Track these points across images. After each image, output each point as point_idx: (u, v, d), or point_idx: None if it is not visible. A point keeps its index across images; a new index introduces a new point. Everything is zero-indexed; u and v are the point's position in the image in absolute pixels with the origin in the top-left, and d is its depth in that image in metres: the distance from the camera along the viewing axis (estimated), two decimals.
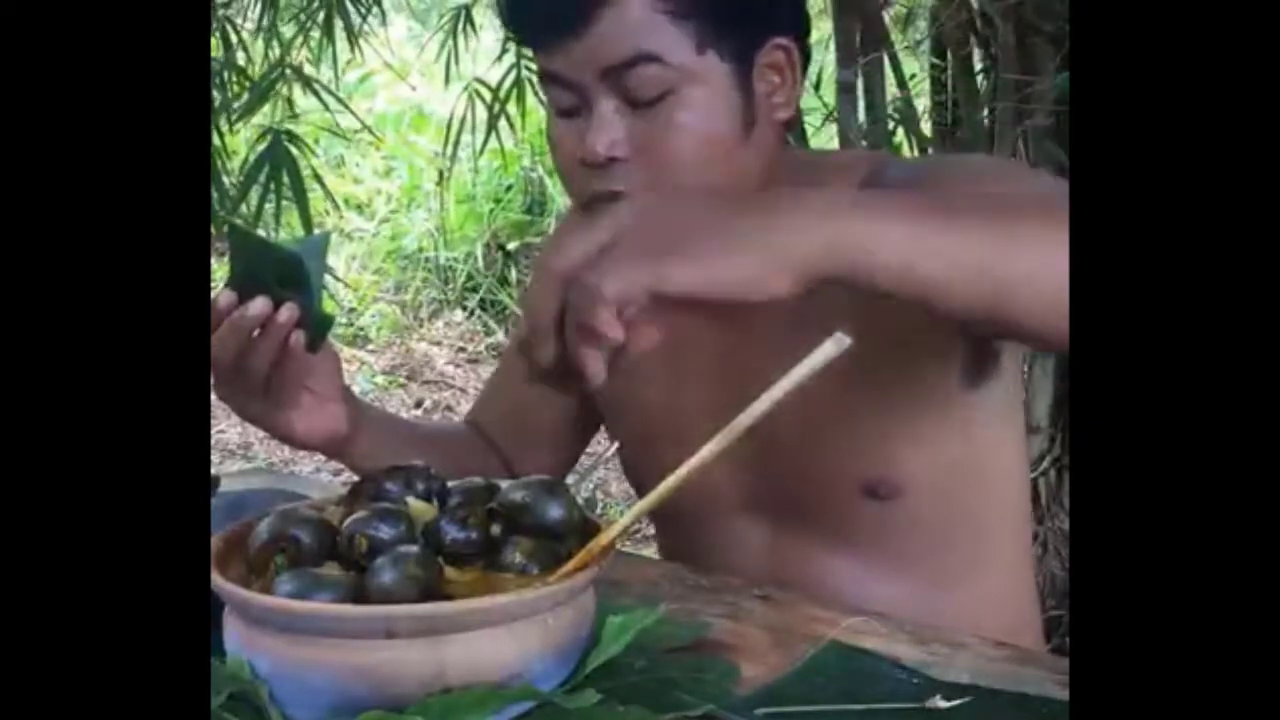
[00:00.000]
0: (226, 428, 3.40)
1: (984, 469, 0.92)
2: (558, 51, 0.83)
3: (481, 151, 2.43)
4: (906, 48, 2.19)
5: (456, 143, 2.34)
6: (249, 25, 2.25)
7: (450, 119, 2.33)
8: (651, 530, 1.88)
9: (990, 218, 0.64)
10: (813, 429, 0.86)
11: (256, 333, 0.82)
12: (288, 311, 0.81)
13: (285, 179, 1.90)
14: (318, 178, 2.18)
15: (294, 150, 1.92)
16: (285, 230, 4.00)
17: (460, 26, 2.33)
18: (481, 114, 2.27)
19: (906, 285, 0.62)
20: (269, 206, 1.99)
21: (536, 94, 1.92)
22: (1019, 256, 0.62)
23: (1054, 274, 0.60)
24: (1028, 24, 1.71)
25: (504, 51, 2.20)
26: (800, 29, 0.88)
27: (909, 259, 0.62)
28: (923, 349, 0.87)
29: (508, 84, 2.19)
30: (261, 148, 1.91)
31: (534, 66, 0.98)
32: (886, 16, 1.93)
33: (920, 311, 0.86)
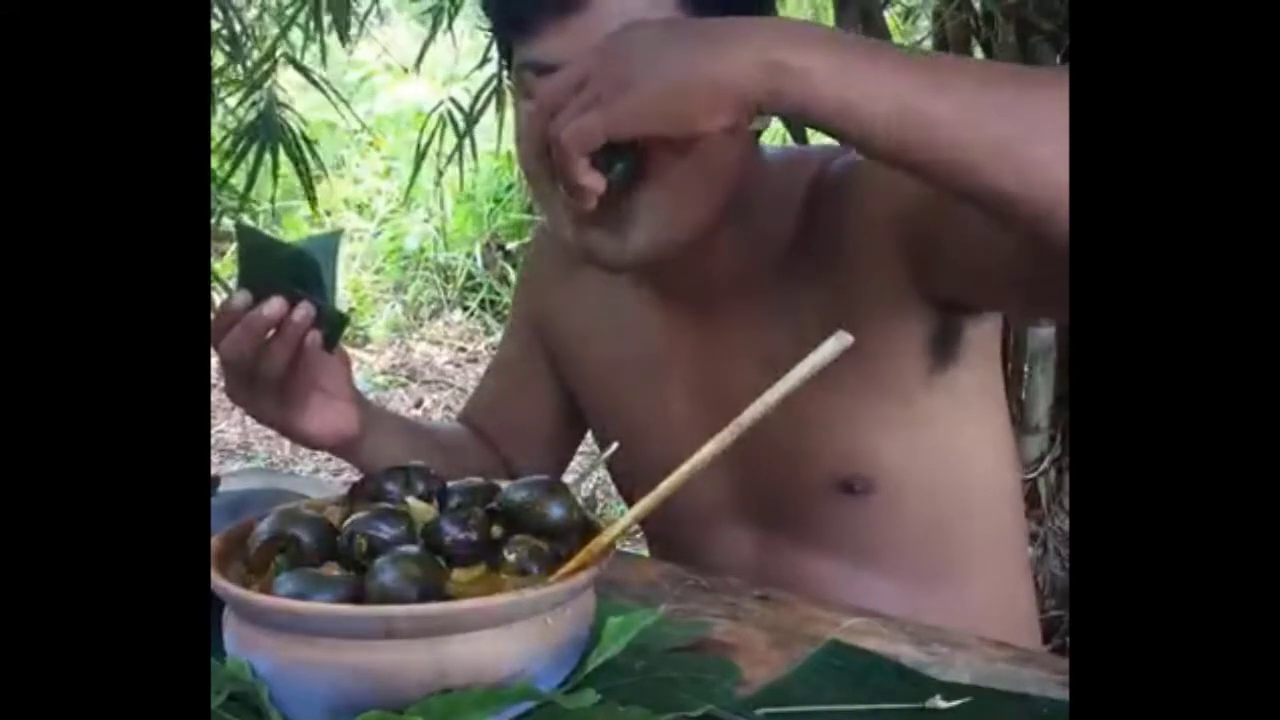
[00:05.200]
0: (226, 428, 3.40)
1: (962, 460, 0.92)
2: (551, 35, 0.79)
3: (497, 151, 2.42)
4: (906, 47, 2.19)
5: (462, 145, 2.33)
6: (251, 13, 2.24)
7: (463, 120, 2.33)
8: None
9: (929, 63, 0.67)
10: (780, 426, 0.85)
11: (271, 333, 0.81)
12: (303, 311, 0.80)
13: (278, 156, 1.87)
14: (307, 143, 2.05)
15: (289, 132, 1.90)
16: (290, 228, 4.00)
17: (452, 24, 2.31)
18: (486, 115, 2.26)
19: (841, 118, 0.64)
20: (264, 210, 1.96)
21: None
22: (945, 95, 0.63)
23: (988, 121, 0.61)
24: (1028, 23, 1.71)
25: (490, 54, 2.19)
26: None
27: (843, 90, 0.63)
28: (884, 333, 0.85)
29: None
30: (251, 117, 1.89)
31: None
32: (887, 16, 1.93)
33: (881, 294, 0.85)
